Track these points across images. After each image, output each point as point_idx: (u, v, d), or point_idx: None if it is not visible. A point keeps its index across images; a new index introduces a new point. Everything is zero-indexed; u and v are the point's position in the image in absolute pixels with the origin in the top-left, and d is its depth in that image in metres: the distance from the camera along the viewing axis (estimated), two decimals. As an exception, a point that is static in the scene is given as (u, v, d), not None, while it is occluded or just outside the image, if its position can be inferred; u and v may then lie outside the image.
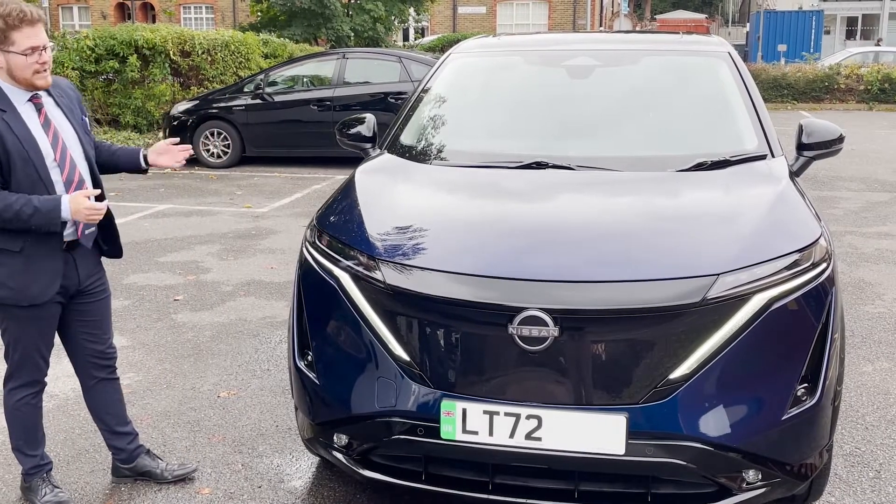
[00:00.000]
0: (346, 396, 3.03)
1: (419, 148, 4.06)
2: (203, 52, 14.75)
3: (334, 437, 3.11)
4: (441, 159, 3.94)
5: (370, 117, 4.34)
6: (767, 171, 3.55)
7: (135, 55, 14.00)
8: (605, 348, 2.77)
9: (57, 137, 3.14)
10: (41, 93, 3.14)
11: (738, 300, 2.76)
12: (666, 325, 2.74)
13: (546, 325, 2.71)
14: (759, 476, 2.82)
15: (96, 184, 3.27)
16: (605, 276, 2.81)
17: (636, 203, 3.39)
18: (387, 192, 3.54)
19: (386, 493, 3.46)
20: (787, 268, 2.86)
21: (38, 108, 3.13)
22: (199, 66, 14.75)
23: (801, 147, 3.90)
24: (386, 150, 4.11)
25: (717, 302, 2.74)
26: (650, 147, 3.86)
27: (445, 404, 2.82)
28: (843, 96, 23.87)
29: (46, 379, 3.38)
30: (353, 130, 4.32)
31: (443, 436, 2.83)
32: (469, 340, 2.85)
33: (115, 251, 3.43)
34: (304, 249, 3.33)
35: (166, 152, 3.46)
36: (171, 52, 14.35)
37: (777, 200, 3.25)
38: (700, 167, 3.58)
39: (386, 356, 2.93)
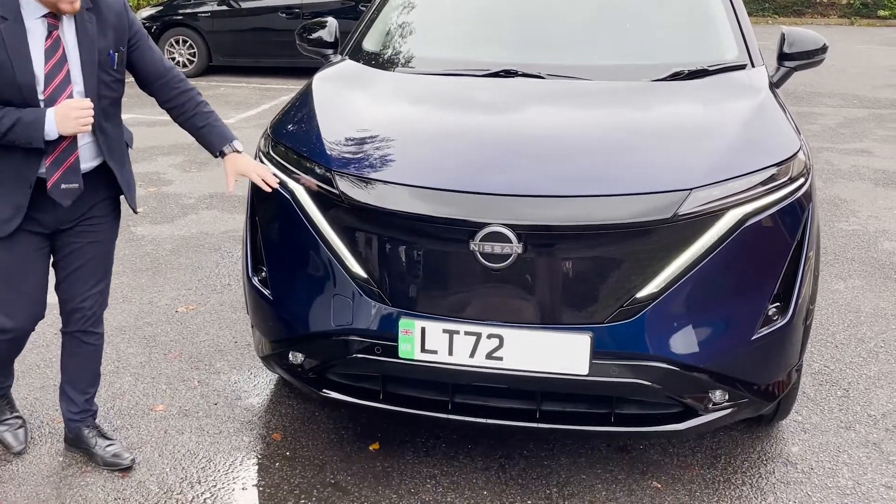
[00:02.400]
0: (301, 314, 2.91)
1: (382, 54, 3.84)
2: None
3: (290, 356, 3.00)
4: (405, 66, 3.73)
5: (332, 21, 4.10)
6: (747, 82, 3.38)
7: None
8: (570, 266, 2.65)
9: (58, 69, 2.64)
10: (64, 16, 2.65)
11: (711, 216, 2.63)
12: (634, 243, 2.62)
13: (509, 241, 2.57)
14: (726, 396, 2.75)
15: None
16: (572, 191, 2.67)
17: (607, 115, 3.22)
18: (346, 101, 3.35)
19: (344, 411, 3.38)
20: (763, 182, 2.73)
21: (50, 30, 2.63)
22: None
23: (782, 57, 3.73)
24: (347, 57, 3.89)
25: (688, 218, 2.61)
26: (625, 56, 3.67)
27: (404, 322, 2.70)
28: (824, 10, 23.49)
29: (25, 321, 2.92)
30: (313, 35, 4.08)
31: (401, 355, 2.73)
32: (429, 257, 2.71)
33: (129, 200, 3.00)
34: (258, 160, 3.15)
35: (252, 173, 2.96)
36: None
37: (755, 112, 3.10)
38: (677, 77, 3.40)
39: (343, 273, 2.80)
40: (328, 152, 2.93)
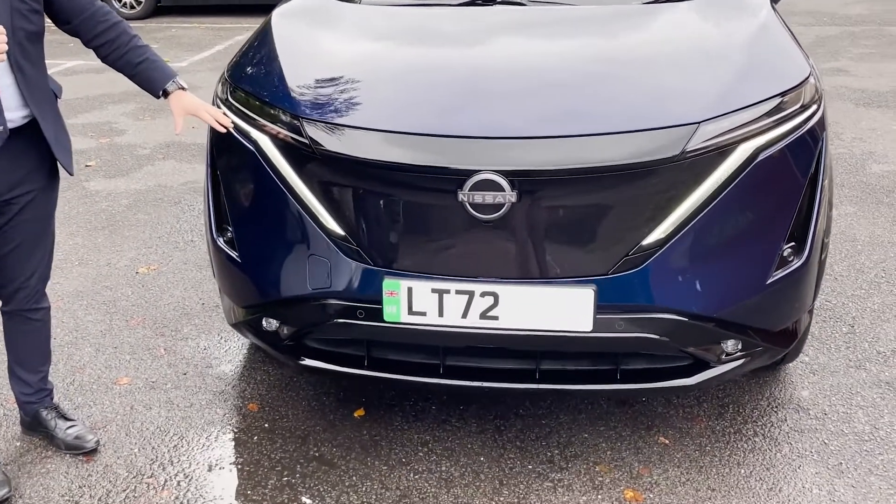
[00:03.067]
0: (274, 277, 2.64)
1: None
2: None
3: (263, 323, 2.74)
4: (372, -4, 3.40)
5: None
6: (745, 1, 3.11)
7: None
8: (569, 214, 2.40)
9: None
10: None
11: (721, 152, 2.38)
12: (638, 185, 2.37)
13: (502, 189, 2.31)
14: (739, 346, 2.55)
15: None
16: (569, 131, 2.40)
17: (599, 43, 2.94)
18: (310, 39, 3.02)
19: (324, 376, 3.14)
20: (774, 112, 2.48)
21: None
22: None
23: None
24: (307, -13, 3.54)
25: (696, 155, 2.36)
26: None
27: (388, 283, 2.45)
28: (788, -73, 23.04)
29: None
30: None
31: (386, 318, 2.48)
32: (412, 211, 2.45)
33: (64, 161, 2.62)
34: (216, 105, 2.83)
35: (201, 111, 2.65)
36: None
37: (759, 34, 2.83)
38: (668, -2, 3.12)
39: (318, 231, 2.52)
40: (294, 97, 2.62)
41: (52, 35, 2.73)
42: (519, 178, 2.33)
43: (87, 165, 5.77)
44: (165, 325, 3.66)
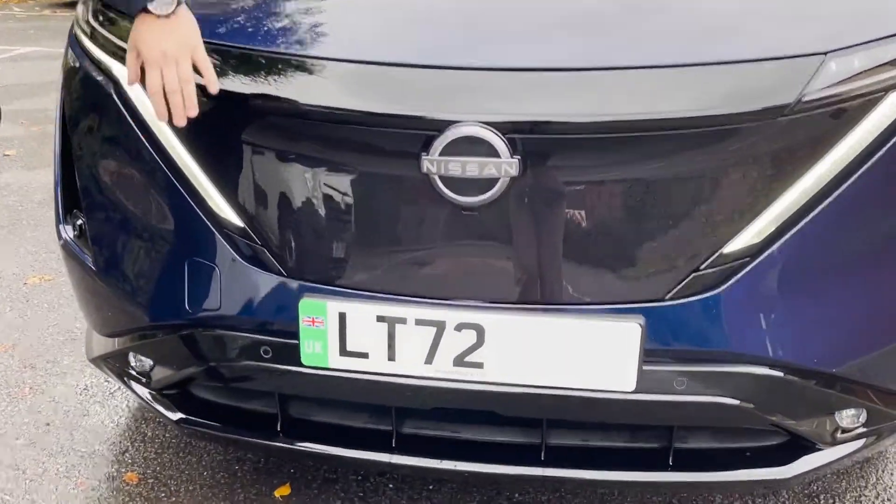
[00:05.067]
0: (140, 292, 1.71)
1: None
2: None
3: (130, 360, 1.81)
4: None
5: None
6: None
7: None
8: (602, 200, 1.47)
9: None
10: None
11: (858, 104, 1.45)
12: (721, 156, 1.44)
13: (494, 154, 1.39)
14: (862, 419, 1.61)
15: None
16: (609, 62, 1.47)
17: None
18: None
19: (216, 443, 2.19)
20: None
21: None
22: None
23: None
24: None
25: (819, 107, 1.42)
26: None
27: (308, 305, 1.52)
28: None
29: None
30: None
31: (305, 360, 1.55)
32: (350, 190, 1.52)
33: None
34: (72, 40, 1.90)
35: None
36: None
37: None
38: None
39: (203, 221, 1.60)
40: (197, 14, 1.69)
41: (6, 23, 1.84)
42: (523, 136, 1.41)
43: (5, 155, 4.85)
44: (40, 355, 2.71)
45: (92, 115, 1.77)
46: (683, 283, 1.47)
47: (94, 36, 1.79)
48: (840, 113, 1.43)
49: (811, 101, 1.41)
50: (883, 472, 2.12)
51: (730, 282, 1.47)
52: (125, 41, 1.65)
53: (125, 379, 1.86)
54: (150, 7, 1.44)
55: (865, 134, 1.44)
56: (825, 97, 1.42)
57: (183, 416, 1.78)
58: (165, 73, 1.45)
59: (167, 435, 2.28)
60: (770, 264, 1.47)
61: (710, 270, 1.47)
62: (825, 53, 1.42)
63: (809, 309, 1.51)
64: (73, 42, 1.87)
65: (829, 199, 1.45)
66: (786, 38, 1.48)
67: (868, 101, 1.44)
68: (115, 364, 1.85)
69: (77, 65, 1.82)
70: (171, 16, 1.45)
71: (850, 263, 1.52)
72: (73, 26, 1.94)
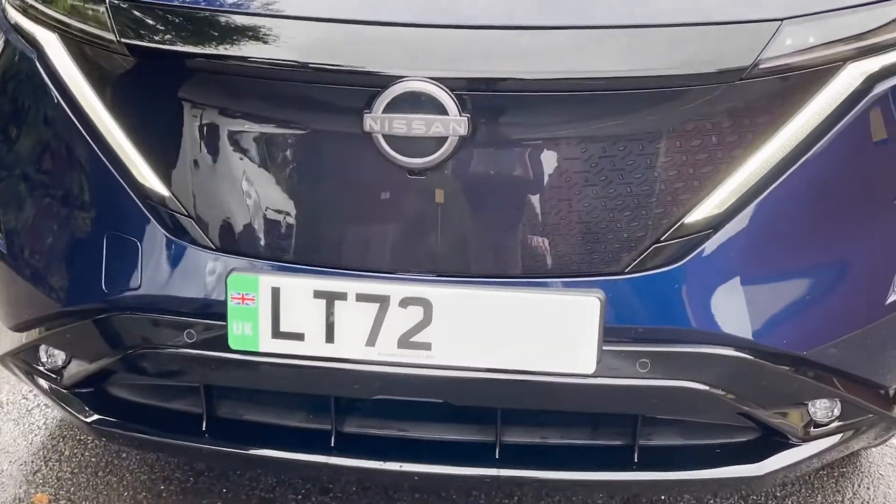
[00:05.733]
0: (52, 274, 1.56)
1: None
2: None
3: (41, 355, 1.64)
4: None
5: None
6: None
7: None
8: (557, 164, 1.37)
9: None
10: None
11: (816, 73, 1.39)
12: (679, 121, 1.36)
13: (441, 110, 1.30)
14: (836, 411, 1.51)
15: None
16: (561, 20, 1.39)
17: None
18: None
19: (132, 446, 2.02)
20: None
21: None
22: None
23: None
24: None
25: (775, 73, 1.36)
26: None
27: (238, 280, 1.38)
28: None
29: None
30: None
31: (233, 344, 1.41)
32: (285, 151, 1.41)
33: None
34: None
35: None
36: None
37: None
38: None
39: (126, 191, 1.47)
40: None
41: None
42: (472, 93, 1.32)
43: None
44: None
45: (11, 84, 1.64)
46: (644, 255, 1.38)
47: (24, 10, 1.66)
48: (798, 81, 1.37)
49: (767, 67, 1.35)
50: (859, 486, 2.01)
51: (692, 254, 1.38)
52: (58, 12, 1.55)
53: (34, 378, 1.69)
54: None
55: (824, 104, 1.38)
56: (782, 65, 1.36)
57: (98, 416, 1.61)
58: None
59: (86, 454, 2.09)
60: (733, 237, 1.39)
61: (671, 242, 1.38)
62: (781, 20, 1.36)
63: (777, 286, 1.43)
64: (0, 17, 1.75)
65: (792, 170, 1.38)
66: (743, 3, 1.43)
67: (825, 69, 1.39)
68: (25, 361, 1.68)
69: (1, 39, 1.69)
70: None
71: (817, 239, 1.44)
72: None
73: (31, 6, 1.62)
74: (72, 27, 1.51)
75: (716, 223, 1.38)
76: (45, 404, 2.26)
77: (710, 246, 1.38)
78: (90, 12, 1.50)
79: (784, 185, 1.38)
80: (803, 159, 1.38)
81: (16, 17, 1.66)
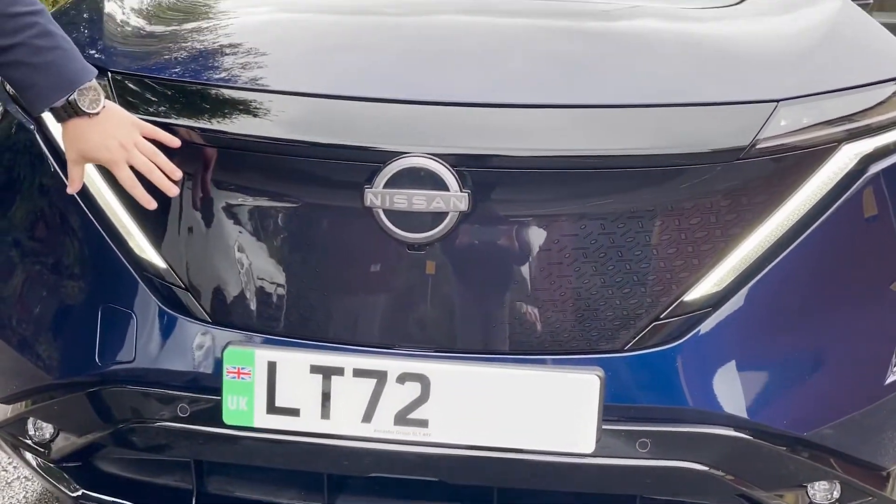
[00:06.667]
0: (45, 344, 1.54)
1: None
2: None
3: (29, 427, 1.61)
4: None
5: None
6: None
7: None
8: (557, 241, 1.37)
9: None
10: None
11: (812, 153, 1.41)
12: (677, 201, 1.37)
13: (442, 186, 1.31)
14: (837, 493, 1.49)
15: None
16: (563, 99, 1.41)
17: (606, 7, 1.95)
18: None
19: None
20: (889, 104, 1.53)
21: None
22: None
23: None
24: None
25: (773, 154, 1.38)
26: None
27: (234, 354, 1.37)
28: None
29: None
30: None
31: (227, 419, 1.39)
32: (284, 225, 1.41)
33: None
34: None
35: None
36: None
37: (840, 11, 1.90)
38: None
39: (121, 262, 1.46)
40: (105, 45, 1.60)
41: None
42: (472, 169, 1.33)
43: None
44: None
45: (8, 154, 1.64)
46: (643, 333, 1.37)
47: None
48: (794, 162, 1.40)
49: (764, 148, 1.37)
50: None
51: (691, 333, 1.38)
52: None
53: (20, 451, 1.65)
54: (83, 107, 1.31)
55: (820, 185, 1.40)
56: (778, 145, 1.39)
57: (83, 491, 1.57)
58: (134, 160, 1.33)
59: (68, 527, 2.03)
60: (732, 316, 1.39)
61: (670, 320, 1.38)
62: (777, 101, 1.40)
63: (776, 366, 1.42)
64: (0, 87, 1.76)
65: (790, 250, 1.40)
66: (740, 85, 1.47)
67: (821, 150, 1.41)
68: (11, 434, 1.64)
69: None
70: (102, 109, 1.34)
71: (816, 318, 1.44)
72: None
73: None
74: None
75: (714, 301, 1.38)
76: (26, 477, 2.21)
77: (708, 324, 1.38)
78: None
79: (782, 265, 1.39)
80: (801, 239, 1.39)
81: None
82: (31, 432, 1.61)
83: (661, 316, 1.37)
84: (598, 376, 1.33)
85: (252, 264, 1.40)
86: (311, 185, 1.39)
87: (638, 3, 2.04)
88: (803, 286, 1.42)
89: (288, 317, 1.40)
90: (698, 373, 1.38)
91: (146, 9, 1.77)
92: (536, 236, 1.36)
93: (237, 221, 1.41)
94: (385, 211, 1.32)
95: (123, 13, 1.76)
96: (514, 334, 1.37)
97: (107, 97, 1.41)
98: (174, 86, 1.46)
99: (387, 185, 1.31)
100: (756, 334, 1.40)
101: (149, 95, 1.46)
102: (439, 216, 1.32)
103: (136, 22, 1.70)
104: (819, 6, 1.94)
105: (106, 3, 1.82)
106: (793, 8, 1.95)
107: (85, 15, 1.84)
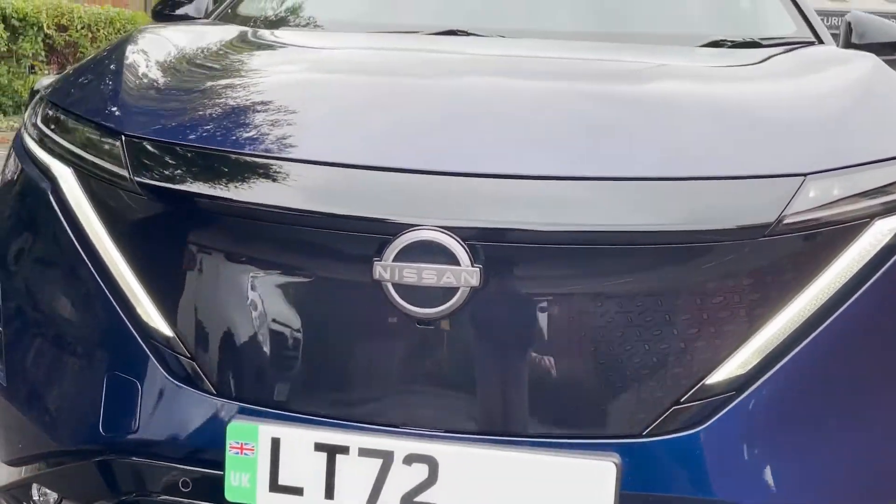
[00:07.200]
0: (50, 411, 1.51)
1: (264, 18, 2.56)
2: (83, 28, 12.98)
3: (34, 494, 1.58)
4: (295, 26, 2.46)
5: (206, -8, 2.83)
6: (827, 54, 2.17)
7: (1, 25, 12.14)
8: (572, 319, 1.32)
9: None
10: None
11: (842, 230, 1.35)
12: (700, 278, 1.32)
13: (453, 261, 1.26)
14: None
15: None
16: (580, 172, 1.37)
17: (639, 69, 1.91)
18: (182, 47, 1.98)
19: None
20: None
21: None
22: (77, 43, 12.96)
23: (850, 48, 2.55)
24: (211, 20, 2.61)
25: (801, 230, 1.32)
26: (621, 21, 2.41)
27: (238, 429, 1.33)
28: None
29: None
30: (179, 11, 2.78)
31: (229, 496, 1.34)
32: (291, 297, 1.37)
33: None
34: (17, 143, 1.77)
35: None
36: (45, 25, 12.53)
37: (872, 78, 1.84)
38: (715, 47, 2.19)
39: (129, 330, 1.43)
40: (121, 108, 1.59)
41: None
42: (485, 243, 1.28)
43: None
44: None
45: (23, 214, 1.63)
46: (663, 417, 1.31)
47: (41, 140, 1.67)
48: (823, 238, 1.33)
49: (791, 224, 1.31)
50: None
51: (714, 418, 1.31)
52: (75, 145, 1.56)
53: (25, 515, 1.62)
54: None
55: (852, 262, 1.33)
56: (806, 221, 1.32)
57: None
58: None
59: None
60: (758, 400, 1.31)
61: (692, 404, 1.31)
62: (805, 175, 1.34)
63: (804, 454, 1.34)
64: (18, 145, 1.76)
65: (819, 331, 1.32)
66: (766, 156, 1.41)
67: (852, 227, 1.34)
68: (15, 498, 1.62)
69: (17, 167, 1.70)
70: None
71: (847, 402, 1.36)
72: (21, 127, 1.83)
73: (48, 136, 1.63)
74: (86, 161, 1.51)
75: (739, 385, 1.31)
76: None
77: (733, 409, 1.31)
78: (106, 146, 1.51)
79: (811, 347, 1.32)
80: (831, 319, 1.32)
81: (32, 147, 1.67)
82: (36, 497, 1.58)
83: (682, 400, 1.31)
84: (615, 463, 1.26)
85: (259, 337, 1.36)
86: (319, 256, 1.35)
87: (665, 60, 2.00)
88: (834, 369, 1.35)
89: (293, 391, 1.36)
90: (721, 461, 1.31)
91: (165, 67, 1.77)
92: (551, 314, 1.30)
93: (244, 292, 1.37)
94: (394, 285, 1.28)
95: (142, 71, 1.76)
96: (526, 416, 1.31)
97: (113, 160, 1.40)
98: (183, 151, 1.44)
99: (396, 259, 1.27)
100: (783, 420, 1.33)
101: (158, 160, 1.44)
102: (450, 291, 1.27)
103: (154, 81, 1.69)
104: (850, 65, 1.88)
105: (127, 59, 1.83)
106: (822, 67, 1.89)
107: (110, 68, 1.83)
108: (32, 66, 12.66)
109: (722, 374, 1.31)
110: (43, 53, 12.71)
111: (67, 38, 12.94)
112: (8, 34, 12.24)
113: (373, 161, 1.36)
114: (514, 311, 1.31)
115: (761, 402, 1.31)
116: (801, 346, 1.31)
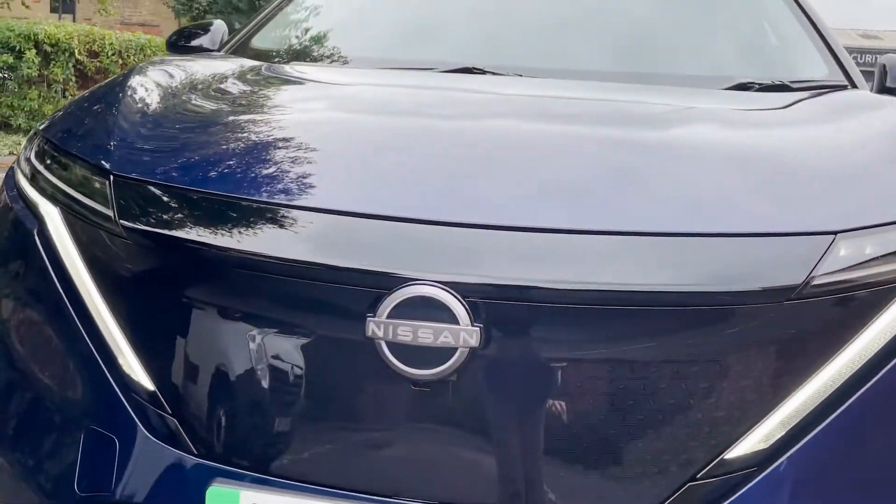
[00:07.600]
0: (27, 465, 1.43)
1: (276, 52, 2.50)
2: (114, 54, 13.11)
3: (8, 550, 1.50)
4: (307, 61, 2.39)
5: (219, 23, 2.78)
6: (862, 100, 2.07)
7: (34, 50, 12.29)
8: (579, 384, 1.22)
9: None
10: None
11: (874, 293, 1.24)
12: (719, 344, 1.21)
13: (452, 319, 1.17)
14: None
15: None
16: (593, 224, 1.27)
17: (649, 112, 1.82)
18: (180, 84, 1.91)
19: None
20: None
21: None
22: (107, 69, 13.08)
23: (882, 92, 2.44)
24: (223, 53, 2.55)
25: (830, 293, 1.22)
26: (645, 61, 2.33)
27: (217, 494, 1.24)
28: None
29: None
30: (194, 42, 2.73)
31: (207, 566, 1.24)
32: (279, 354, 1.28)
33: None
34: (8, 177, 1.71)
35: None
36: (76, 51, 12.66)
37: None
38: (743, 90, 2.10)
39: (110, 383, 1.34)
40: (113, 146, 1.52)
41: None
42: (486, 301, 1.18)
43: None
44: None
45: (9, 255, 1.56)
46: (677, 495, 1.20)
47: (33, 176, 1.61)
48: (854, 301, 1.22)
49: (820, 286, 1.20)
50: None
51: (734, 496, 1.20)
52: (64, 183, 1.49)
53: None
54: None
55: (885, 327, 1.22)
56: (836, 282, 1.22)
57: None
58: None
59: None
60: (781, 477, 1.20)
61: (709, 481, 1.20)
62: (835, 233, 1.23)
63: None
64: (9, 179, 1.70)
65: (849, 403, 1.21)
66: (793, 214, 1.30)
67: (885, 289, 1.23)
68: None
69: (6, 203, 1.63)
70: None
71: (880, 482, 1.25)
72: (14, 163, 1.77)
73: (39, 172, 1.57)
74: (74, 200, 1.44)
75: (761, 460, 1.20)
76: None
77: (754, 486, 1.20)
78: (95, 185, 1.44)
79: (840, 420, 1.21)
80: (863, 390, 1.21)
81: (23, 183, 1.61)
82: (10, 555, 1.50)
83: (698, 476, 1.20)
84: (623, 547, 1.16)
85: (245, 394, 1.27)
86: (311, 310, 1.26)
87: (689, 103, 1.91)
88: (865, 445, 1.24)
89: (279, 455, 1.26)
90: (740, 542, 1.20)
91: (161, 105, 1.70)
92: (557, 380, 1.21)
93: (232, 346, 1.28)
94: (388, 343, 1.19)
95: (138, 107, 1.70)
96: (526, 488, 1.21)
97: (99, 199, 1.34)
98: (171, 194, 1.36)
99: (391, 315, 1.18)
100: (810, 500, 1.22)
101: (145, 202, 1.36)
102: (447, 351, 1.18)
103: (148, 119, 1.63)
104: (884, 112, 1.78)
105: (124, 94, 1.77)
106: (855, 114, 1.79)
107: (106, 104, 1.77)
108: (64, 91, 12.81)
109: (743, 448, 1.20)
110: (74, 79, 12.84)
111: (98, 63, 13.06)
112: (40, 59, 12.39)
113: (368, 209, 1.27)
114: (515, 376, 1.21)
115: (786, 479, 1.20)
116: (830, 419, 1.21)
